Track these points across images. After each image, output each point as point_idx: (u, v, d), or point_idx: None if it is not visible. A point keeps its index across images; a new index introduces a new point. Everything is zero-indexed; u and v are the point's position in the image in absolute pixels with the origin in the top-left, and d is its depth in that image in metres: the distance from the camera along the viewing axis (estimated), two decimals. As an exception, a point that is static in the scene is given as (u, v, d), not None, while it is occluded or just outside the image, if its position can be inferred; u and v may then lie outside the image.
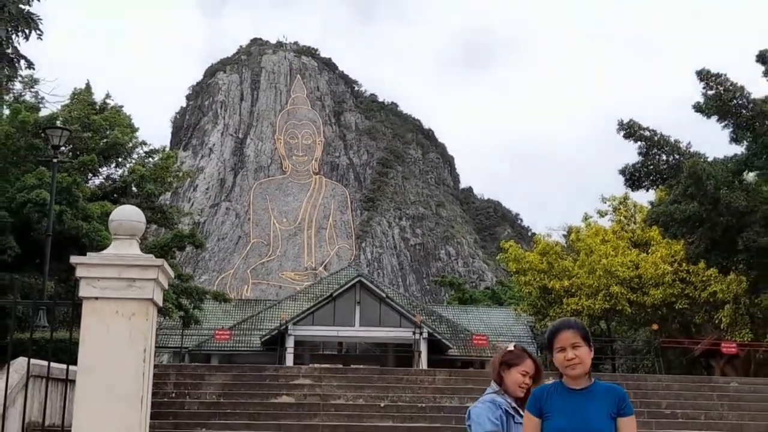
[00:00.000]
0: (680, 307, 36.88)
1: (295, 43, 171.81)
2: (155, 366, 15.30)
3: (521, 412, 4.84)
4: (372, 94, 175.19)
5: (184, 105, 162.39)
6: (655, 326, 36.55)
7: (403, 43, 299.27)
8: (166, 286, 8.62)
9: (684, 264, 34.60)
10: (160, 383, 15.83)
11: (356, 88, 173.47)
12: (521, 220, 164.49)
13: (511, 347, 5.30)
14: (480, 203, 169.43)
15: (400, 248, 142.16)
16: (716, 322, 36.11)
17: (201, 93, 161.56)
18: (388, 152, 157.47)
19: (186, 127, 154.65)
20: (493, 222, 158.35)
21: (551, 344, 4.47)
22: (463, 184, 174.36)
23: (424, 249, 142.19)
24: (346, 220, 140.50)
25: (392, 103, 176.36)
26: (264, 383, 16.50)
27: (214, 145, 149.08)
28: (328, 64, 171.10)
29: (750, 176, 29.46)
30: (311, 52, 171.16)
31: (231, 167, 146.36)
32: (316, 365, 22.14)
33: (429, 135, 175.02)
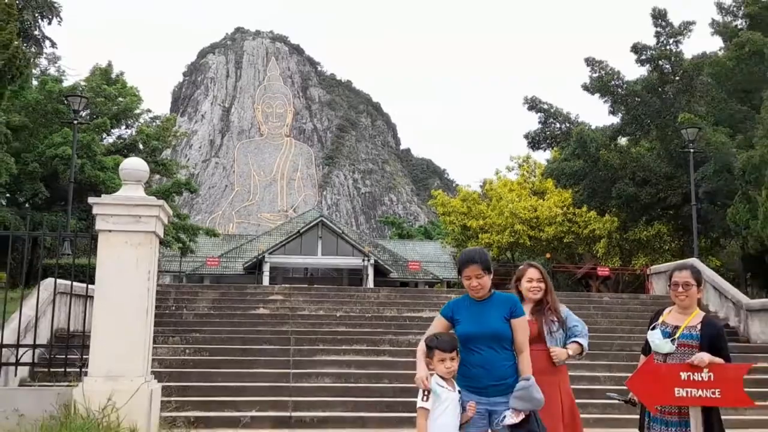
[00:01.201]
0: (567, 240, 37.61)
1: (271, 31, 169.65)
2: (159, 286, 15.20)
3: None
4: (332, 74, 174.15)
5: (181, 80, 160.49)
6: (548, 255, 37.16)
7: (356, 30, 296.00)
8: (166, 222, 8.55)
9: (571, 208, 35.17)
10: (162, 299, 15.73)
11: (319, 68, 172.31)
12: (448, 174, 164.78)
13: (522, 266, 5.54)
14: (416, 161, 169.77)
15: (353, 195, 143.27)
16: (594, 252, 36.99)
17: (195, 71, 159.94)
18: (344, 120, 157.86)
19: (183, 98, 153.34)
20: (426, 175, 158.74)
21: (460, 272, 4.50)
22: (403, 146, 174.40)
23: (372, 196, 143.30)
24: (311, 173, 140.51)
25: (347, 80, 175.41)
26: (245, 298, 16.49)
27: (205, 112, 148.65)
28: (296, 49, 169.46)
29: (623, 141, 30.04)
30: (283, 39, 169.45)
31: (219, 130, 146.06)
32: (286, 285, 22.13)
33: (377, 107, 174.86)
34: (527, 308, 5.27)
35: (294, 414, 9.87)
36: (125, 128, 35.45)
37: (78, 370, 8.85)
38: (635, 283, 31.21)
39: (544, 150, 31.76)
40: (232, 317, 14.83)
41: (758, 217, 20.67)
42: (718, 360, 4.27)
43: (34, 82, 31.07)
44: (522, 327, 4.40)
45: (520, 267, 5.51)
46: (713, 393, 4.14)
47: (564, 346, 5.19)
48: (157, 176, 36.62)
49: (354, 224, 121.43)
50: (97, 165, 29.60)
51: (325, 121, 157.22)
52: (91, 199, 8.25)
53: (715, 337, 4.43)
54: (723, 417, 4.56)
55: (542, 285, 5.29)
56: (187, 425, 8.25)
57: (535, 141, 30.16)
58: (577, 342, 5.21)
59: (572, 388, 5.47)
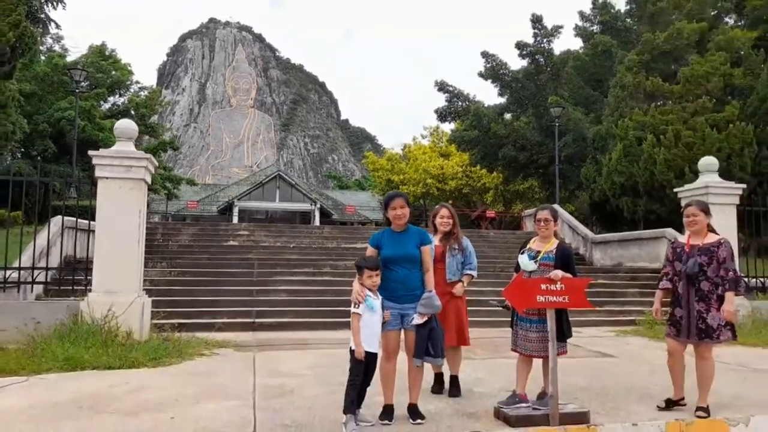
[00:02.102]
0: (465, 191, 38.01)
1: (238, 22, 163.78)
2: (149, 223, 14.75)
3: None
4: (287, 58, 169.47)
5: (165, 59, 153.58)
6: (451, 202, 37.59)
7: (306, 24, 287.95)
8: (154, 172, 8.24)
9: (468, 167, 35.53)
10: (152, 233, 15.26)
11: (277, 54, 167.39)
12: (377, 139, 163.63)
13: (438, 206, 5.58)
14: (353, 129, 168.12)
15: (304, 155, 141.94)
16: (485, 200, 37.59)
17: (176, 52, 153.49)
18: (297, 95, 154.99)
19: (166, 74, 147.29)
20: (360, 140, 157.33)
21: (387, 206, 4.51)
22: (342, 117, 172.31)
23: (319, 156, 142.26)
24: (271, 137, 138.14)
25: (300, 64, 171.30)
26: (218, 234, 16.14)
27: (185, 86, 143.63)
28: (259, 38, 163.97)
29: (507, 116, 30.35)
30: (248, 29, 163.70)
31: (197, 101, 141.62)
32: (251, 224, 21.75)
33: (322, 85, 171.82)
34: (438, 237, 5.36)
35: (257, 320, 9.83)
36: (119, 97, 33.72)
37: (83, 288, 8.59)
38: (513, 223, 32.01)
39: (450, 122, 31.84)
40: (208, 247, 14.52)
41: (602, 174, 21.41)
42: (568, 275, 4.45)
43: (42, 57, 29.22)
44: (428, 252, 4.46)
45: (436, 207, 5.58)
46: (564, 299, 4.31)
47: (460, 268, 5.31)
48: (147, 137, 35.15)
49: (305, 178, 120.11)
50: (97, 126, 28.32)
51: (282, 96, 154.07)
52: (91, 152, 7.89)
53: (566, 258, 4.60)
54: (570, 318, 4.78)
55: (451, 221, 5.38)
56: (172, 329, 8.11)
57: (442, 115, 30.21)
58: (469, 273, 5.34)
59: (467, 299, 5.60)
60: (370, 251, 4.51)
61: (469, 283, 5.40)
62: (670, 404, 4.65)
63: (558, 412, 4.25)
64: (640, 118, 20.00)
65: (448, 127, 38.32)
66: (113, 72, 32.39)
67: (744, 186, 10.77)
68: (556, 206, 5.07)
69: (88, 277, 8.14)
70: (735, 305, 4.61)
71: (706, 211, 4.79)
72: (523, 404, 4.47)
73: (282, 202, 47.13)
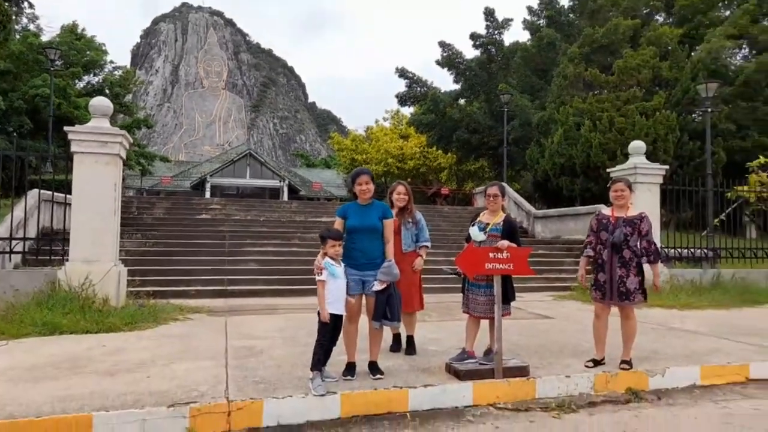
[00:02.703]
0: (423, 170, 38.17)
1: (209, 7, 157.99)
2: (124, 197, 14.34)
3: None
4: (257, 43, 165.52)
5: (139, 41, 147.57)
6: (409, 180, 37.78)
7: (276, 10, 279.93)
8: (128, 148, 7.93)
9: (425, 148, 35.62)
10: (127, 207, 14.78)
11: (247, 38, 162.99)
12: (342, 121, 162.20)
13: (394, 183, 5.55)
14: (319, 111, 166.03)
15: (273, 135, 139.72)
16: (440, 178, 37.85)
17: (149, 34, 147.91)
18: (267, 79, 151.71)
19: (140, 55, 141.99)
20: (327, 122, 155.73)
21: (354, 181, 4.51)
22: (310, 100, 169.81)
23: (287, 136, 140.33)
24: (242, 117, 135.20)
25: (269, 48, 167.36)
26: (191, 207, 15.78)
27: (159, 68, 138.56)
28: (230, 22, 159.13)
29: (462, 102, 30.40)
30: (219, 14, 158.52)
31: (170, 82, 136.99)
32: (223, 198, 21.32)
33: (291, 69, 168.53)
34: (394, 212, 5.38)
35: (228, 288, 9.74)
36: (93, 76, 32.20)
37: (60, 257, 8.31)
38: (465, 199, 32.34)
39: (409, 106, 31.71)
40: (181, 220, 14.19)
41: (545, 156, 21.80)
42: (513, 244, 4.55)
43: (17, 36, 27.54)
44: (389, 225, 4.48)
45: (393, 184, 5.57)
46: (509, 266, 4.42)
47: (414, 239, 5.35)
48: (121, 115, 33.77)
49: (274, 156, 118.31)
50: (72, 104, 26.95)
51: (252, 79, 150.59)
52: (67, 128, 7.55)
53: (511, 230, 4.70)
54: (514, 284, 4.89)
55: (406, 197, 5.40)
56: (148, 296, 7.95)
57: (402, 99, 30.07)
58: (424, 245, 5.37)
59: (422, 267, 5.68)
60: (338, 221, 4.51)
61: (425, 254, 5.45)
62: (596, 363, 4.84)
63: (502, 367, 4.38)
64: (579, 105, 20.38)
65: (407, 110, 38.23)
66: (87, 52, 30.85)
67: (667, 167, 11.15)
68: (503, 184, 5.14)
69: (65, 248, 7.86)
70: (662, 275, 4.83)
71: (630, 187, 4.97)
72: (471, 360, 4.58)
73: (252, 178, 46.33)
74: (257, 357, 5.03)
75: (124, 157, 7.87)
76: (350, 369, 4.35)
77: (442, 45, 28.12)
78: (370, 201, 4.50)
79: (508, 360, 4.59)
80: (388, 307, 4.32)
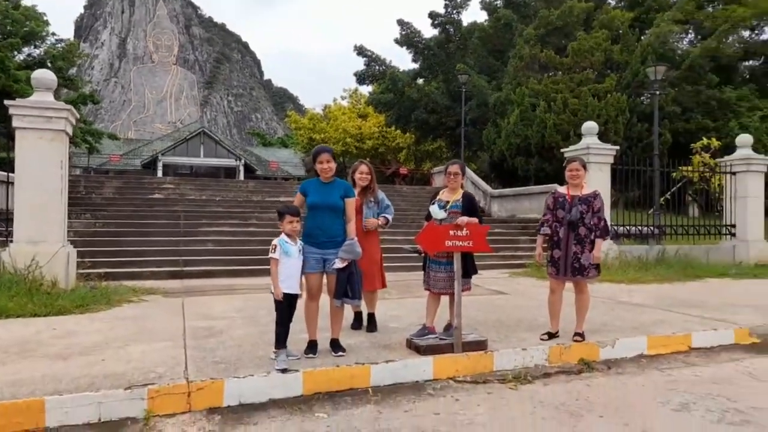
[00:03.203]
0: (381, 150, 38.10)
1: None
2: (71, 176, 13.74)
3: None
4: (209, 16, 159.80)
5: (83, 12, 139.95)
6: (368, 160, 37.66)
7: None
8: (75, 124, 7.56)
9: (384, 128, 35.53)
10: (74, 186, 14.19)
11: (199, 12, 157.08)
12: (299, 99, 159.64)
13: (357, 162, 5.49)
14: (276, 89, 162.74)
15: (228, 113, 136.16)
16: (399, 158, 37.90)
17: (94, 4, 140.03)
18: (220, 54, 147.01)
19: (84, 27, 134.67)
20: (283, 100, 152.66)
21: (315, 159, 4.45)
22: (266, 77, 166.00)
23: (242, 114, 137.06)
24: (194, 94, 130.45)
25: (222, 23, 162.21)
26: (143, 186, 15.27)
27: (104, 41, 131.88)
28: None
29: (420, 81, 30.37)
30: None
31: (117, 56, 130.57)
32: (177, 177, 20.71)
33: (246, 45, 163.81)
34: (356, 191, 5.36)
35: (185, 269, 9.53)
36: (34, 48, 30.40)
37: (4, 239, 7.91)
38: (424, 179, 32.58)
39: (368, 85, 31.49)
40: (133, 200, 13.75)
41: (501, 136, 22.12)
42: (474, 219, 4.60)
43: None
44: (351, 204, 4.45)
45: (356, 163, 5.54)
46: (468, 243, 4.48)
47: (377, 217, 5.37)
48: (65, 90, 32.09)
49: (229, 135, 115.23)
50: (11, 77, 25.40)
51: (204, 54, 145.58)
52: (7, 102, 7.13)
53: (471, 205, 4.75)
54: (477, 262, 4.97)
55: (369, 176, 5.38)
56: (99, 278, 7.68)
57: (361, 78, 29.79)
58: (384, 217, 5.39)
59: (383, 246, 5.73)
60: (300, 198, 4.46)
61: (384, 225, 5.41)
62: (551, 336, 5.01)
63: (461, 341, 4.48)
64: (534, 86, 20.72)
65: (366, 89, 37.92)
66: (27, 22, 29.03)
67: (618, 148, 11.53)
68: (463, 163, 5.20)
69: (9, 228, 7.49)
70: (602, 250, 5.00)
71: (585, 166, 5.10)
72: (432, 336, 4.66)
73: (206, 157, 45.06)
74: (217, 337, 4.96)
75: (71, 133, 7.50)
76: (312, 347, 4.35)
77: (401, 23, 27.92)
78: (332, 179, 4.46)
79: (467, 335, 4.68)
80: (349, 285, 4.32)
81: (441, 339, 4.58)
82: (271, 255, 4.10)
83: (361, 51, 28.77)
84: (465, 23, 29.26)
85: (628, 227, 12.09)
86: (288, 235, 4.17)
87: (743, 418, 3.52)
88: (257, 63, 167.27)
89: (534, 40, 22.70)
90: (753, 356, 5.11)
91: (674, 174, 13.92)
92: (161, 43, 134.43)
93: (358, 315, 5.43)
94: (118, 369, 3.93)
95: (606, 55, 21.65)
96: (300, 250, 4.21)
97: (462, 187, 4.87)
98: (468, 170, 18.77)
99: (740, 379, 4.43)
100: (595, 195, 4.97)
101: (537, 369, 4.57)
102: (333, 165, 4.41)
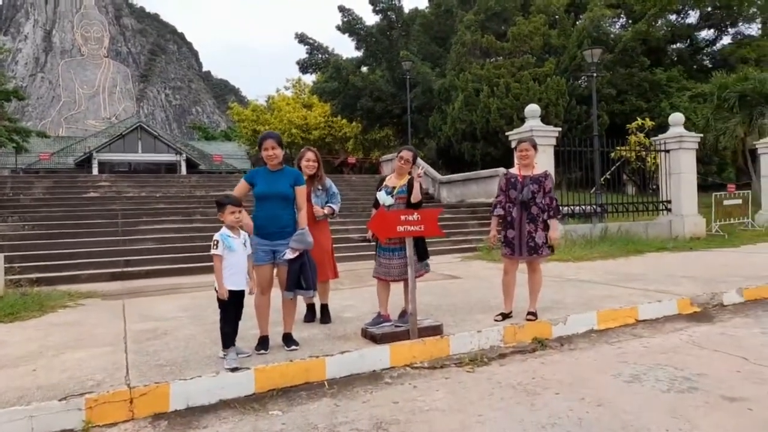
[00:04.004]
0: (328, 140, 37.65)
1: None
2: (-6, 176, 12.80)
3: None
4: (141, 6, 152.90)
5: (1, 3, 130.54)
6: (315, 149, 37.11)
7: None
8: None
9: (330, 117, 35.09)
10: (0, 188, 13.32)
11: (129, 1, 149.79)
12: (241, 91, 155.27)
13: (303, 149, 5.31)
14: (216, 81, 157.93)
15: (166, 107, 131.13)
16: (346, 148, 37.53)
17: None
18: (155, 46, 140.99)
19: (4, 19, 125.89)
20: (224, 93, 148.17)
21: (261, 146, 4.27)
22: (204, 68, 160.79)
23: (182, 108, 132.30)
24: (129, 88, 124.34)
25: (155, 13, 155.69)
26: (77, 185, 14.43)
27: (28, 33, 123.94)
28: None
29: (364, 69, 30.10)
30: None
31: (43, 50, 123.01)
32: (113, 174, 19.74)
33: (182, 36, 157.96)
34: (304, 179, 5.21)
35: (126, 269, 9.06)
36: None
37: None
38: (373, 168, 32.47)
39: (311, 74, 30.95)
40: (66, 200, 12.99)
41: (447, 122, 22.28)
42: (415, 192, 4.57)
43: None
44: (301, 192, 4.29)
45: (302, 150, 5.37)
46: (420, 228, 4.41)
47: (324, 206, 5.23)
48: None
49: (168, 129, 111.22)
50: None
51: (138, 46, 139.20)
52: None
53: (411, 184, 4.68)
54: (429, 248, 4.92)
55: (316, 164, 5.23)
56: (31, 284, 7.18)
57: (303, 67, 29.22)
58: (330, 206, 5.26)
59: (333, 236, 5.62)
60: (244, 186, 4.26)
61: (330, 215, 5.27)
62: (504, 317, 5.04)
63: (417, 327, 4.42)
64: (477, 71, 20.94)
65: (310, 79, 37.30)
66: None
67: (560, 129, 11.79)
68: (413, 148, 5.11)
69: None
70: (559, 229, 5.06)
71: (535, 147, 5.14)
72: (387, 323, 4.58)
73: (145, 153, 43.26)
74: (161, 339, 4.70)
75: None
76: (263, 343, 4.18)
77: (342, 9, 27.50)
78: (281, 167, 4.28)
79: (422, 320, 4.64)
80: (302, 275, 4.17)
81: (396, 326, 4.51)
82: (213, 251, 3.90)
83: (302, 39, 28.21)
84: (406, 10, 29.18)
85: (572, 207, 12.42)
86: (230, 228, 3.98)
87: (691, 385, 3.63)
88: (195, 54, 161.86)
89: (475, 26, 22.92)
90: (695, 325, 5.32)
91: (612, 154, 14.43)
92: (90, 35, 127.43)
93: (310, 307, 5.30)
94: (52, 379, 3.64)
95: (544, 39, 22.14)
96: (245, 243, 4.02)
97: (409, 173, 4.78)
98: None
99: (685, 347, 4.59)
100: (546, 175, 5.01)
101: (493, 350, 4.58)
102: (278, 152, 4.23)
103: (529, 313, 5.01)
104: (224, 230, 3.96)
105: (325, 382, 3.92)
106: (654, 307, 5.59)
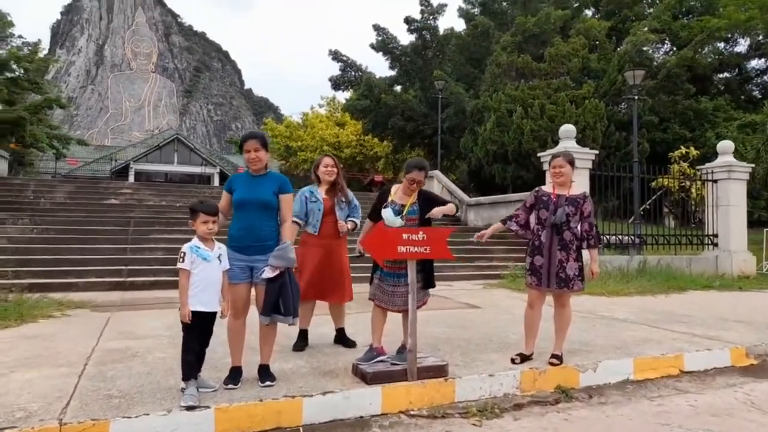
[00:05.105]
0: (359, 159, 37.50)
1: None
2: (20, 179, 12.80)
3: (317, 196, 4.57)
4: (189, 25, 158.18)
5: (59, 18, 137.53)
6: (333, 155, 37.07)
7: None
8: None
9: (362, 136, 34.89)
10: (21, 191, 13.33)
11: (179, 20, 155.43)
12: (280, 109, 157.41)
13: (320, 156, 4.79)
14: (256, 98, 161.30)
15: (208, 122, 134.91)
16: (377, 167, 37.24)
17: (71, 11, 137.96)
18: (200, 63, 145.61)
19: (61, 33, 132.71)
20: (264, 110, 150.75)
21: (242, 147, 3.72)
22: (246, 86, 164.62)
23: (222, 123, 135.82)
24: (173, 102, 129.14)
25: (202, 31, 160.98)
26: (98, 192, 14.28)
27: (81, 47, 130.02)
28: (159, 2, 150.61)
29: (397, 88, 29.82)
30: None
31: (94, 63, 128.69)
32: (136, 182, 19.68)
33: (226, 54, 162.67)
34: (323, 189, 4.65)
35: (128, 279, 8.64)
36: (-1, 50, 29.09)
37: None
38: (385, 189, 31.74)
39: (343, 91, 30.81)
40: (84, 205, 12.80)
41: (478, 143, 21.60)
42: (448, 207, 3.90)
43: None
44: (287, 201, 3.71)
45: (319, 157, 4.81)
46: (425, 249, 3.76)
47: (346, 219, 4.64)
48: (32, 94, 30.78)
49: (208, 143, 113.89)
50: (-32, 77, 24.14)
51: (184, 62, 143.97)
52: None
53: (428, 198, 4.03)
54: (444, 272, 4.28)
55: (335, 170, 4.69)
56: (22, 291, 6.77)
57: (336, 84, 29.09)
58: (352, 221, 4.69)
59: (348, 255, 5.02)
60: (225, 197, 3.72)
61: (352, 230, 4.69)
62: (524, 359, 4.29)
63: (416, 367, 3.74)
64: (511, 92, 20.27)
65: (343, 97, 37.29)
66: (-14, 22, 27.82)
67: (596, 152, 11.00)
68: (436, 173, 4.48)
69: None
70: (585, 260, 4.32)
71: (572, 162, 4.41)
72: (381, 358, 3.91)
73: (180, 165, 43.94)
74: (127, 362, 4.14)
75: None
76: (234, 376, 3.57)
77: (377, 28, 27.33)
78: (264, 171, 3.72)
79: (424, 358, 3.96)
80: (281, 299, 3.56)
81: (393, 364, 3.83)
82: (179, 265, 3.33)
83: (336, 56, 28.11)
84: (441, 30, 28.82)
85: (607, 236, 11.53)
86: (202, 239, 3.41)
87: (756, 467, 2.84)
88: (237, 72, 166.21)
89: (511, 47, 22.31)
90: (752, 381, 4.46)
91: (652, 183, 13.47)
92: (140, 50, 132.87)
93: (302, 334, 4.68)
94: (-22, 406, 3.10)
95: (583, 62, 21.34)
96: (219, 257, 3.45)
97: (420, 188, 4.08)
98: (443, 177, 18.15)
99: (741, 410, 3.77)
100: (585, 197, 4.29)
101: (506, 399, 3.85)
102: (262, 155, 3.66)
103: (553, 356, 4.26)
104: (195, 241, 3.41)
105: (301, 429, 3.28)
106: (702, 357, 4.75)
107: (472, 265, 11.20)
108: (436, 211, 3.86)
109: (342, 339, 4.78)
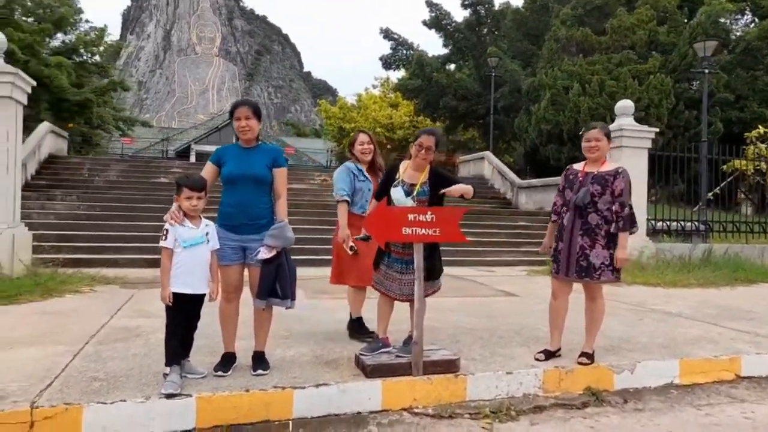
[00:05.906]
0: (411, 141, 36.83)
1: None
2: (74, 157, 13.21)
3: (365, 174, 4.26)
4: (251, 9, 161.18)
5: (130, 4, 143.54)
6: (395, 155, 36.58)
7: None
8: (28, 90, 6.73)
9: (414, 117, 34.22)
10: (77, 170, 13.81)
11: (241, 4, 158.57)
12: (339, 91, 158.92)
13: (354, 133, 4.50)
14: (315, 81, 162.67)
15: (268, 105, 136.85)
16: (430, 149, 36.45)
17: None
18: (261, 46, 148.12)
19: (131, 19, 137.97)
20: (322, 92, 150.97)
21: (232, 115, 3.45)
22: (305, 69, 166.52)
23: (282, 106, 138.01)
24: (235, 86, 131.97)
25: (264, 15, 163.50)
26: (150, 170, 14.62)
27: (150, 33, 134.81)
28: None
29: (450, 67, 28.96)
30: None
31: (162, 48, 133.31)
32: (186, 161, 20.11)
33: (286, 38, 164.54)
34: (364, 168, 4.32)
35: (166, 256, 8.69)
36: (65, 35, 30.57)
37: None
38: (451, 170, 31.11)
39: (394, 70, 30.30)
40: (135, 184, 13.12)
41: (532, 123, 20.61)
42: (465, 188, 3.43)
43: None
44: (281, 176, 3.41)
45: (353, 134, 4.48)
46: (434, 231, 3.36)
47: None
48: (97, 76, 32.18)
49: (268, 126, 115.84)
50: (42, 62, 25.45)
51: (246, 46, 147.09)
52: None
53: (440, 176, 3.59)
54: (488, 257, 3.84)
55: (371, 146, 4.33)
56: (59, 265, 6.91)
57: (387, 63, 28.63)
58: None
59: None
60: (212, 170, 3.45)
61: None
62: (549, 355, 3.83)
63: (422, 360, 3.38)
64: (568, 67, 19.12)
65: (395, 76, 36.73)
66: (60, 9, 29.18)
67: (656, 130, 10.08)
68: (487, 154, 4.05)
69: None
70: (628, 248, 3.76)
71: (608, 135, 3.87)
72: (385, 350, 3.57)
73: (241, 147, 44.99)
74: (129, 342, 4.02)
75: (23, 100, 6.70)
76: (225, 363, 3.34)
77: (429, 4, 26.50)
78: (255, 143, 3.42)
79: (434, 351, 3.59)
80: (277, 281, 3.28)
81: (397, 356, 3.49)
82: (161, 243, 3.11)
83: (387, 34, 27.54)
84: (497, 4, 27.62)
85: (667, 222, 10.62)
86: (187, 216, 3.18)
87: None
88: (297, 55, 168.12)
89: (571, 20, 21.03)
90: (826, 392, 3.81)
91: (724, 167, 12.30)
92: (204, 35, 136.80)
93: (360, 321, 4.33)
94: (-38, 383, 3.01)
95: (650, 36, 19.80)
96: (207, 235, 3.21)
97: (430, 163, 3.66)
98: (494, 158, 17.46)
99: (809, 427, 3.18)
100: (617, 172, 3.72)
101: (526, 400, 3.44)
102: (253, 123, 3.37)
103: (582, 354, 3.78)
104: (181, 216, 3.18)
105: (290, 423, 3.01)
106: (764, 360, 4.12)
107: (518, 250, 10.64)
108: (455, 189, 3.42)
109: (360, 327, 4.34)
